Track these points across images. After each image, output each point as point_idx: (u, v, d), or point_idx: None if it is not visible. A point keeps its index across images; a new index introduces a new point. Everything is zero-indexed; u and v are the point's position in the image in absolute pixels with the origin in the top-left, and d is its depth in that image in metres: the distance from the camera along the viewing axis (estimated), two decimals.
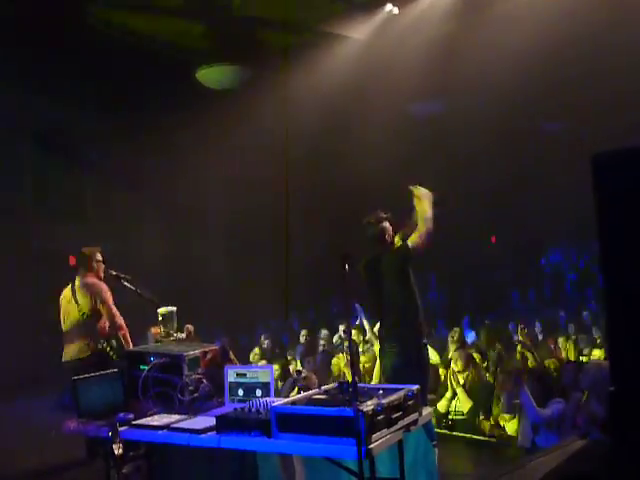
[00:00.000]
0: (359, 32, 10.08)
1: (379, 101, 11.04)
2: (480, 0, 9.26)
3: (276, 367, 7.35)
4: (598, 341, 7.92)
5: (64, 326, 6.04)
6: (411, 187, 4.95)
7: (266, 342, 9.26)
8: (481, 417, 6.04)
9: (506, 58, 9.37)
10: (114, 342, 5.88)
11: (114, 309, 5.89)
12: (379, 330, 5.02)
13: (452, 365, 6.41)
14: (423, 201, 4.84)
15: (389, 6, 9.79)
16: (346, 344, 8.23)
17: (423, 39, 9.80)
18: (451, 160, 13.79)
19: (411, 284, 4.80)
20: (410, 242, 4.77)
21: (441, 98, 12.28)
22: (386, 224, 4.92)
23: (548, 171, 13.74)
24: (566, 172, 12.94)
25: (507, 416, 5.61)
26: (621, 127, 9.80)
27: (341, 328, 9.26)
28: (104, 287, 5.98)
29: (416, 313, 4.75)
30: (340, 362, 7.32)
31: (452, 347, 7.53)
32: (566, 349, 8.11)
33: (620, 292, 2.28)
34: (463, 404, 6.18)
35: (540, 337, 8.54)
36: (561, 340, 8.30)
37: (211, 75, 10.90)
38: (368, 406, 3.05)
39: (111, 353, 5.82)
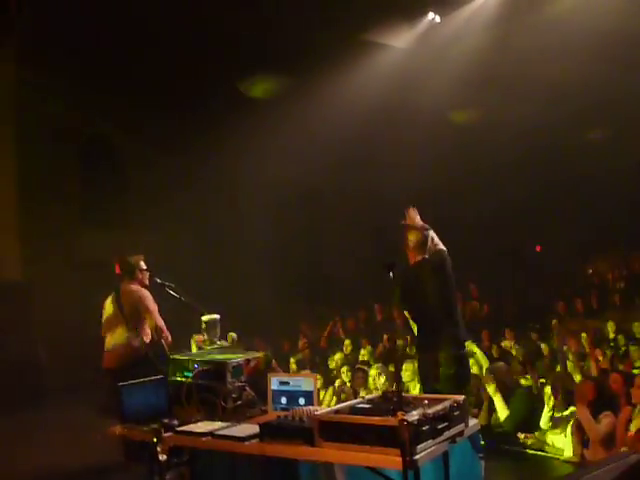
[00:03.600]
0: (401, 41, 10.06)
1: (420, 109, 10.99)
2: (523, 8, 9.15)
3: (318, 376, 7.33)
4: None
5: (107, 333, 6.14)
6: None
7: (307, 351, 9.25)
8: (523, 431, 5.91)
9: (548, 66, 9.24)
10: (157, 347, 5.96)
11: (157, 314, 5.97)
12: (418, 339, 4.94)
13: (496, 376, 6.29)
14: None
15: (431, 15, 9.75)
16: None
17: (464, 48, 9.73)
18: (495, 169, 13.62)
19: (453, 291, 4.74)
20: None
21: (483, 106, 12.15)
22: (430, 231, 4.87)
23: (594, 180, 13.46)
24: (612, 181, 12.69)
25: (555, 430, 5.48)
26: None
27: (385, 338, 9.20)
28: (148, 294, 6.06)
29: (458, 321, 4.69)
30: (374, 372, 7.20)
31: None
32: (614, 361, 7.89)
33: None
34: (500, 412, 6.08)
35: (588, 348, 8.32)
36: (608, 351, 8.08)
37: (252, 85, 11.01)
38: (413, 416, 3.01)
39: (153, 358, 5.89)
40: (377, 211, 14.13)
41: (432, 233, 4.87)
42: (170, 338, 5.95)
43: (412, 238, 4.85)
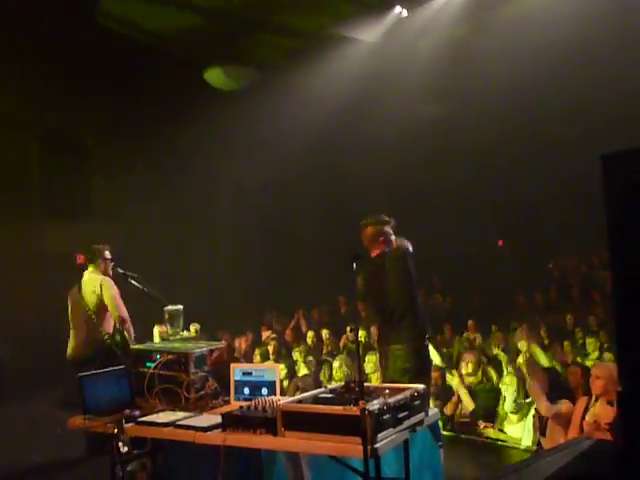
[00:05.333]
0: (369, 35, 10.08)
1: (388, 103, 11.04)
2: (490, 3, 9.24)
3: (282, 367, 7.36)
4: (605, 345, 7.88)
5: (71, 322, 6.08)
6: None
7: (272, 342, 9.25)
8: (485, 420, 6.03)
9: (516, 62, 9.36)
10: (119, 337, 5.91)
11: (120, 303, 5.93)
12: (380, 330, 4.98)
13: (462, 368, 6.40)
14: None
15: (398, 8, 9.78)
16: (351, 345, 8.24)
17: (433, 42, 9.80)
18: (459, 163, 13.78)
19: (414, 284, 4.80)
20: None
21: (450, 101, 12.26)
22: (387, 227, 4.90)
23: (557, 175, 13.70)
24: (574, 176, 12.93)
25: (514, 417, 5.60)
26: (633, 130, 9.74)
27: (348, 329, 9.26)
28: (111, 283, 6.01)
29: (419, 314, 4.75)
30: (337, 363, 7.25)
31: (459, 350, 7.51)
32: (572, 352, 8.08)
33: (629, 294, 2.27)
34: (467, 405, 6.18)
35: (546, 341, 8.51)
36: (567, 344, 8.28)
37: (218, 75, 10.91)
38: (374, 405, 3.05)
39: (116, 348, 5.84)
40: (345, 203, 14.20)
41: (389, 228, 4.91)
42: (132, 328, 5.92)
43: (369, 231, 4.89)
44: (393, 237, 4.91)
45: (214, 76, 10.74)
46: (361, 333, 8.02)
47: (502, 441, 5.68)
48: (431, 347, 7.54)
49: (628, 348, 2.29)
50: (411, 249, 4.87)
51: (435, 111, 12.64)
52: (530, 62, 9.43)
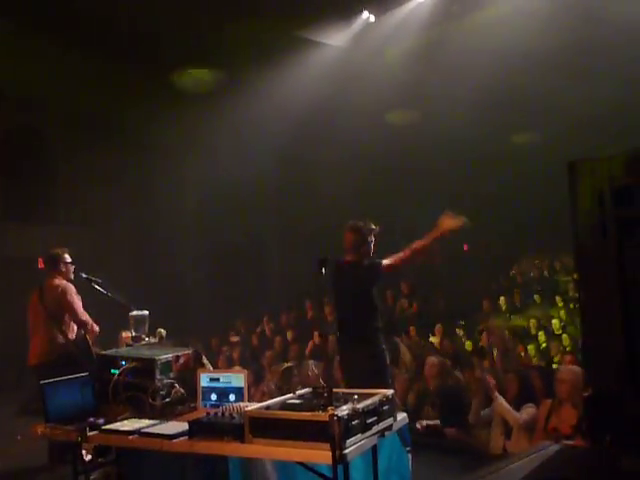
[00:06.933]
0: (336, 39, 10.11)
1: (355, 109, 11.08)
2: (458, 10, 9.35)
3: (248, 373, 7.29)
4: (568, 348, 8.02)
5: (31, 328, 5.95)
6: (445, 215, 4.85)
7: (237, 348, 9.19)
8: (451, 425, 6.06)
9: (483, 68, 9.48)
10: (81, 345, 5.80)
11: (80, 309, 5.81)
12: (339, 336, 4.99)
13: (425, 371, 6.43)
14: (438, 232, 4.80)
15: (366, 14, 9.84)
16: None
17: (401, 48, 9.88)
18: (426, 170, 13.90)
19: (375, 301, 4.82)
20: (386, 261, 4.79)
21: (417, 107, 12.36)
22: (371, 237, 4.90)
23: (521, 182, 13.93)
24: (539, 183, 13.15)
25: (480, 424, 5.64)
26: (597, 137, 9.96)
27: (315, 334, 9.25)
28: (71, 287, 5.89)
29: (376, 328, 4.79)
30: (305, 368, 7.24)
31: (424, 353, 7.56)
32: (536, 356, 8.21)
33: (595, 299, 2.30)
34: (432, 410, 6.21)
35: (511, 345, 8.62)
36: (530, 347, 8.41)
37: (185, 77, 10.85)
38: (343, 411, 3.03)
39: (78, 356, 5.73)
40: (313, 209, 14.21)
41: (372, 236, 4.91)
42: (98, 330, 5.81)
43: (350, 237, 4.88)
44: (372, 245, 4.89)
45: (182, 77, 10.66)
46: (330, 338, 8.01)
47: (468, 444, 5.71)
48: (403, 348, 7.63)
49: (594, 351, 2.32)
50: (385, 262, 4.84)
51: (403, 116, 12.73)
52: (497, 68, 9.56)
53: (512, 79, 10.41)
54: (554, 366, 7.31)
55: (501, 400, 5.21)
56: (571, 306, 10.30)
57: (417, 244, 4.79)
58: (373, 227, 4.93)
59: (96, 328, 5.85)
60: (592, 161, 2.35)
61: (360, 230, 4.88)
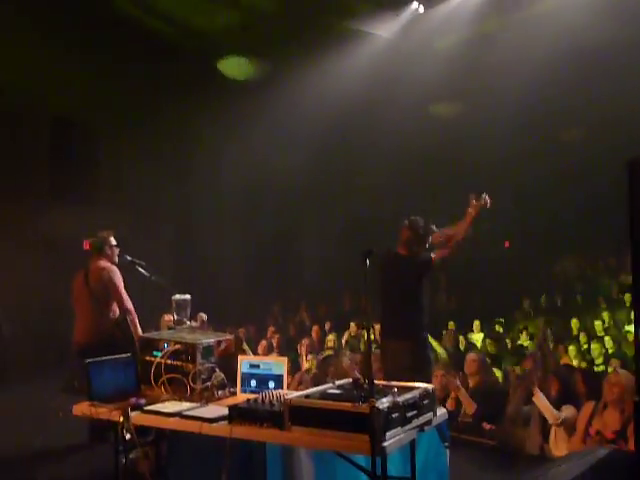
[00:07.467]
0: (385, 30, 10.03)
1: (399, 100, 10.98)
2: (507, 3, 9.19)
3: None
4: (610, 351, 7.85)
5: (75, 309, 6.06)
6: (476, 196, 4.82)
7: (276, 336, 9.24)
8: (488, 422, 5.99)
9: (532, 62, 9.30)
10: (123, 326, 5.88)
11: (124, 294, 5.87)
12: (383, 326, 4.99)
13: (465, 368, 6.36)
14: (472, 216, 4.78)
15: (415, 4, 9.73)
16: (364, 340, 8.21)
17: (449, 40, 9.76)
18: (469, 163, 13.72)
19: (423, 295, 4.79)
20: (434, 254, 4.77)
21: (464, 101, 12.20)
22: (428, 237, 4.88)
23: (568, 179, 13.64)
24: (585, 180, 12.87)
25: (519, 422, 5.56)
26: None
27: (352, 325, 9.24)
28: (116, 271, 5.97)
29: (421, 323, 4.76)
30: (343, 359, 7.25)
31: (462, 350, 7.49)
32: (576, 357, 8.05)
33: None
34: (467, 407, 6.14)
35: (551, 345, 8.48)
36: (572, 348, 8.25)
37: (231, 65, 10.90)
38: (384, 403, 3.02)
39: (120, 337, 5.81)
40: (353, 200, 14.17)
41: (428, 238, 4.89)
42: (136, 320, 5.87)
43: (406, 233, 4.88)
44: (427, 245, 4.88)
45: (228, 66, 10.73)
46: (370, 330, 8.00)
47: (506, 443, 5.64)
48: (435, 344, 7.58)
49: None
50: (433, 258, 4.81)
51: (449, 109, 12.58)
52: (548, 63, 9.37)
53: (560, 74, 10.19)
54: (596, 368, 7.17)
55: (541, 395, 5.12)
56: (614, 309, 10.08)
57: (451, 232, 4.78)
58: (433, 228, 4.90)
59: (136, 318, 5.89)
60: None
61: (416, 228, 4.86)
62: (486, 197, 4.86)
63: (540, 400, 5.10)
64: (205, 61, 10.87)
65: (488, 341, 8.64)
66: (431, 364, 4.99)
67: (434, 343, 7.91)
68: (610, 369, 6.73)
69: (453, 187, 14.23)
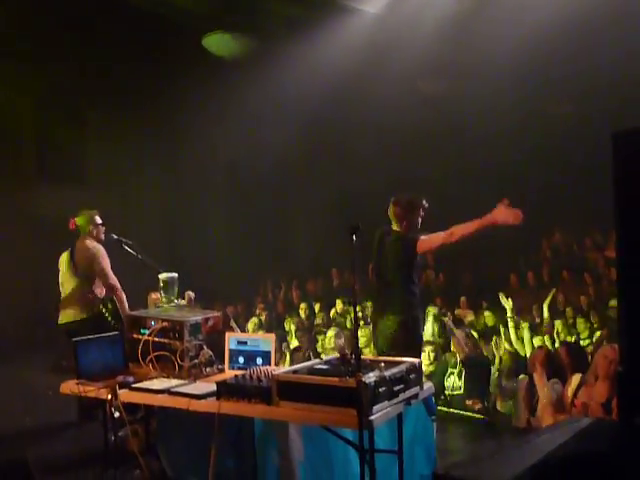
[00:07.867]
0: (371, 5, 9.92)
1: (388, 76, 10.90)
2: None
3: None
4: (595, 325, 7.93)
5: (62, 289, 6.03)
6: (501, 204, 4.58)
7: (264, 313, 9.27)
8: (475, 396, 6.06)
9: (520, 37, 9.24)
10: (110, 305, 5.87)
11: (110, 272, 5.85)
12: (374, 304, 5.02)
13: (452, 343, 6.42)
14: (489, 221, 4.57)
15: None
16: (350, 316, 8.26)
17: (437, 15, 9.66)
18: (458, 138, 13.68)
19: (413, 274, 4.78)
20: (424, 237, 4.67)
21: (453, 76, 12.13)
22: (419, 211, 4.84)
23: (555, 155, 13.64)
24: (571, 156, 12.88)
25: (504, 397, 5.64)
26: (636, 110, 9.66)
27: (338, 302, 9.28)
28: (101, 249, 5.94)
29: (411, 299, 4.76)
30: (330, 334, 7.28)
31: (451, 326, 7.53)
32: (563, 332, 8.13)
33: (636, 274, 2.25)
34: (458, 381, 6.22)
35: (537, 319, 8.56)
36: (558, 322, 8.31)
37: (217, 41, 10.75)
38: (370, 378, 3.04)
39: (107, 315, 5.80)
40: (343, 177, 14.12)
41: (418, 212, 4.85)
42: (123, 295, 5.86)
43: (396, 211, 4.83)
44: (419, 219, 4.83)
45: (213, 42, 10.59)
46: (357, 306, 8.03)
47: (491, 417, 5.72)
48: (430, 320, 7.61)
49: (630, 328, 2.28)
50: (422, 238, 4.76)
51: (437, 85, 12.52)
52: (535, 38, 9.31)
53: (551, 49, 10.13)
54: (582, 342, 7.25)
55: (541, 373, 5.17)
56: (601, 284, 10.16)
57: (461, 230, 4.55)
58: (423, 203, 4.84)
59: (123, 295, 5.88)
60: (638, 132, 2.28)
61: (401, 204, 4.82)
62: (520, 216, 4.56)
63: (540, 378, 5.15)
64: (190, 38, 10.72)
65: (475, 317, 8.71)
66: (422, 340, 5.02)
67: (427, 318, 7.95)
68: (604, 343, 6.79)
69: (441, 162, 14.26)
